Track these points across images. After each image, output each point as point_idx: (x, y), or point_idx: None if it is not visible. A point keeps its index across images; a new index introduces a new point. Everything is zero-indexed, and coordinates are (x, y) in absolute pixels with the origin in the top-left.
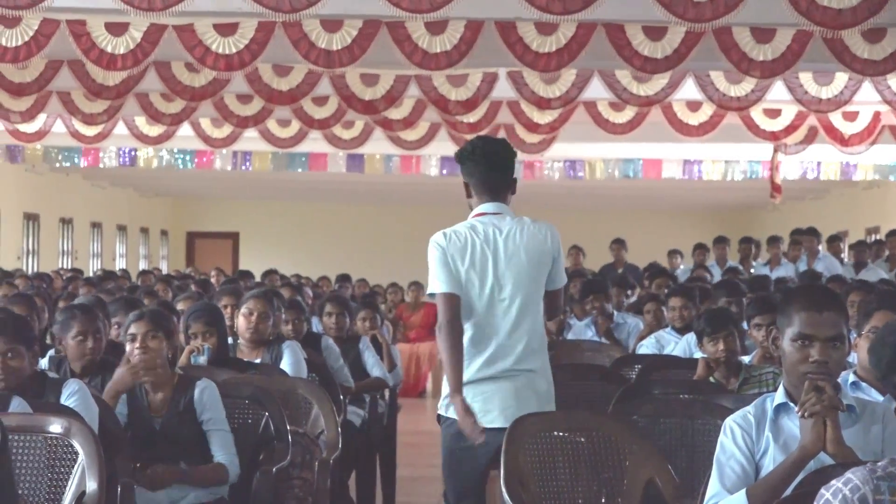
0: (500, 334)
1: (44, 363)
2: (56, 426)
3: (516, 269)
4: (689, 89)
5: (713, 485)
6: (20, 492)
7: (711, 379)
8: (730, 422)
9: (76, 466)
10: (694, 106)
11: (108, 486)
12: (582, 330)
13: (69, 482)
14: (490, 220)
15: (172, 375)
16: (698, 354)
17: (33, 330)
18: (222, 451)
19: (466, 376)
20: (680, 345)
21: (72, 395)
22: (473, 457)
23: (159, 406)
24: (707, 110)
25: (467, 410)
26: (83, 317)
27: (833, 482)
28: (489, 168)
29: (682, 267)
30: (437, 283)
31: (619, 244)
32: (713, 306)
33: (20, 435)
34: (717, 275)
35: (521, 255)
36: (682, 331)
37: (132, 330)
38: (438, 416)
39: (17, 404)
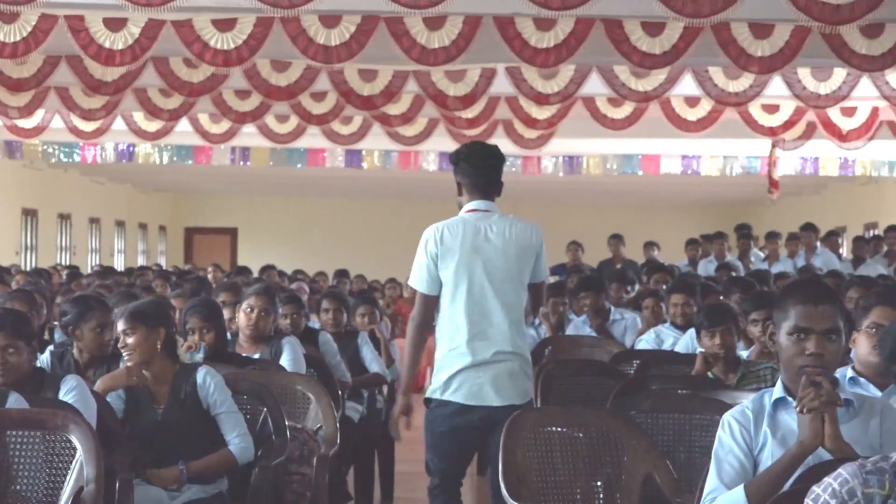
0: (493, 321)
1: (44, 359)
2: (54, 421)
3: (506, 262)
4: (687, 85)
5: (711, 480)
6: (17, 487)
7: (710, 374)
8: (728, 417)
9: (74, 462)
10: (692, 101)
11: (107, 481)
12: (581, 325)
13: (67, 477)
14: (481, 217)
15: (172, 365)
16: (701, 350)
17: (32, 326)
18: (233, 432)
19: (464, 363)
20: (682, 341)
21: (70, 390)
22: (467, 435)
23: (161, 397)
24: (705, 106)
25: (404, 412)
26: (102, 308)
27: (825, 479)
28: (483, 170)
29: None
30: (417, 281)
31: (617, 239)
32: (714, 302)
33: (18, 431)
34: (710, 270)
35: (510, 249)
36: (683, 327)
37: (117, 327)
38: (427, 399)
39: (15, 400)
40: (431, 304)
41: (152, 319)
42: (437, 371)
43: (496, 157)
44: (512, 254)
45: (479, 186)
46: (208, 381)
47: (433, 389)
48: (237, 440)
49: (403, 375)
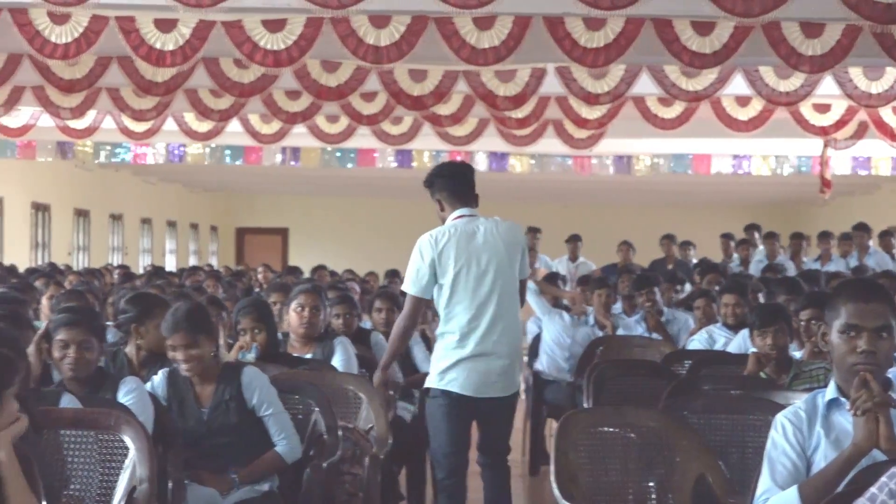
0: (489, 315)
1: None
2: (107, 421)
3: (498, 259)
4: (738, 84)
5: (764, 481)
6: (72, 487)
7: (762, 374)
8: (781, 417)
9: (127, 461)
10: (743, 101)
11: (160, 481)
12: (632, 325)
13: (120, 477)
14: (468, 221)
15: (216, 366)
16: (753, 350)
17: (102, 324)
18: (281, 434)
19: (461, 354)
20: (734, 341)
21: (129, 392)
22: (463, 420)
23: (205, 398)
24: (756, 105)
25: (383, 385)
26: (165, 306)
27: (881, 478)
28: (458, 178)
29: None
30: (410, 284)
31: (669, 239)
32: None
33: (72, 430)
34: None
35: (500, 245)
36: (734, 328)
37: (172, 340)
38: (425, 388)
39: (68, 401)
40: (421, 308)
41: (209, 328)
42: (435, 361)
43: (468, 168)
44: (502, 250)
45: (458, 195)
46: (254, 382)
47: (430, 379)
48: (284, 441)
49: (385, 358)
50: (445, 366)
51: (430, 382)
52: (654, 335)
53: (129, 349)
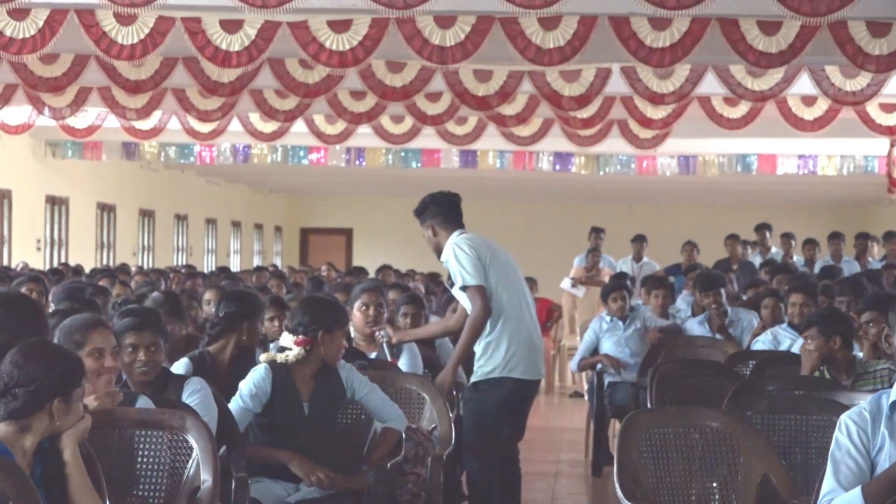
0: (531, 312)
1: (182, 362)
2: (170, 422)
3: (517, 269)
4: (804, 84)
5: (828, 481)
6: (140, 486)
7: (826, 375)
8: (845, 418)
9: (191, 461)
10: (809, 101)
11: (223, 480)
12: (696, 326)
13: (184, 476)
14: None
15: (317, 362)
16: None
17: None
18: (385, 411)
19: (517, 344)
20: (800, 342)
21: (194, 393)
22: (513, 405)
23: (306, 391)
24: (822, 105)
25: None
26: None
27: None
28: (451, 204)
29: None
30: (471, 278)
31: (734, 239)
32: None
33: (142, 430)
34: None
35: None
36: (800, 328)
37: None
38: (475, 382)
39: (143, 403)
40: (486, 294)
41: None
42: (491, 356)
43: (456, 195)
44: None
45: (452, 219)
46: (350, 374)
47: (487, 372)
48: (391, 415)
49: (455, 358)
50: (506, 357)
51: (485, 375)
52: (718, 336)
53: (215, 348)
